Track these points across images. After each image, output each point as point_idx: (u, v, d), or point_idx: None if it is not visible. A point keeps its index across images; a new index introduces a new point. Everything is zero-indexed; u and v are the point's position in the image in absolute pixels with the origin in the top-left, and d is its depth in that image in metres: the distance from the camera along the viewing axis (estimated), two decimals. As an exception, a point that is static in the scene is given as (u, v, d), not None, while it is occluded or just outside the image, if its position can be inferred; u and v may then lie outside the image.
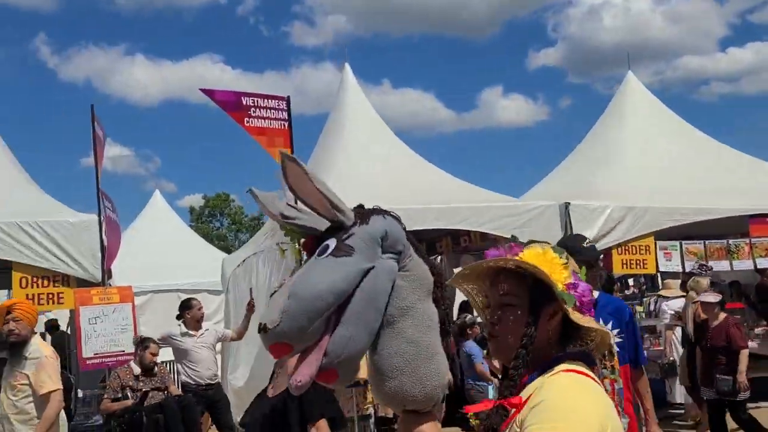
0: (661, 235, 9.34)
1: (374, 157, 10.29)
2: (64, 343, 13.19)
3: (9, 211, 8.01)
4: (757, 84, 78.64)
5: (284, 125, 8.13)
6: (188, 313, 7.72)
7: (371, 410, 7.88)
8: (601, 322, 3.58)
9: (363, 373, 6.24)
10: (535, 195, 11.37)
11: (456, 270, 11.45)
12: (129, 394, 6.62)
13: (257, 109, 7.70)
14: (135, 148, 73.86)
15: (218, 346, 8.48)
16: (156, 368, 6.93)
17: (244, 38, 76.55)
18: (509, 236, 8.93)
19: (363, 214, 1.58)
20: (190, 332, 7.65)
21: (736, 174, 10.72)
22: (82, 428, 7.70)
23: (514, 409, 1.68)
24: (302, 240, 1.63)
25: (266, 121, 7.77)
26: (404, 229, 1.63)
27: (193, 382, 7.40)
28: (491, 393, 7.77)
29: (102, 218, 7.99)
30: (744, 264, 9.47)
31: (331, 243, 1.50)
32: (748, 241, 9.42)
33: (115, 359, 7.71)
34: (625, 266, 9.17)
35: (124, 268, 10.24)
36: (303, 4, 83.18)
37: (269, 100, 7.89)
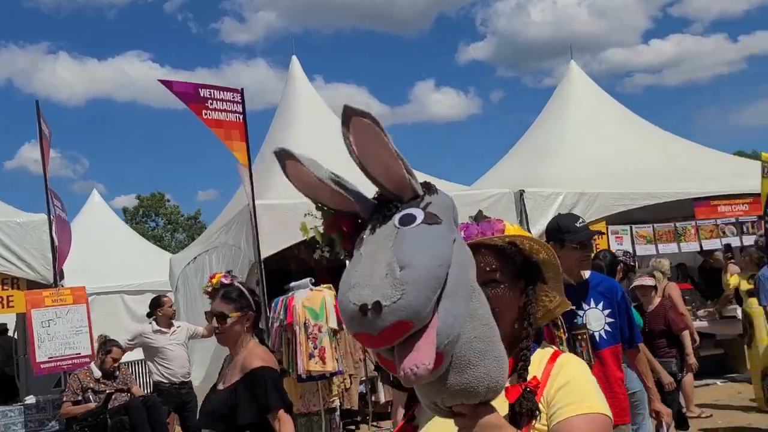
0: (612, 219, 9.55)
1: (328, 148, 10.19)
2: (10, 348, 12.72)
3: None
4: (678, 75, 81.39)
5: (239, 118, 7.99)
6: (159, 310, 7.52)
7: (337, 403, 7.82)
8: (592, 302, 3.62)
9: (330, 365, 6.11)
10: (486, 184, 11.50)
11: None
12: (90, 396, 6.41)
13: (214, 101, 7.54)
14: (61, 150, 71.50)
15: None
16: (117, 370, 6.73)
17: (173, 35, 75.02)
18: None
19: (429, 186, 1.40)
20: (162, 329, 7.46)
21: (679, 159, 11.04)
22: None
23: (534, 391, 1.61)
24: (339, 223, 1.45)
25: (223, 113, 7.62)
26: None
27: (167, 381, 7.21)
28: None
29: (52, 218, 7.71)
30: (691, 246, 9.77)
31: (417, 212, 1.32)
32: (694, 223, 9.71)
33: (70, 362, 7.46)
34: (578, 251, 9.34)
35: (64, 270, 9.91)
36: (232, 1, 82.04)
37: (225, 93, 7.74)
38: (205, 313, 3.45)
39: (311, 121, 10.66)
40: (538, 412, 1.55)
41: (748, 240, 9.66)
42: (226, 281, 3.42)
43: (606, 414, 1.60)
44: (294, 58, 11.47)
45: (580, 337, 3.55)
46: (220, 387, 3.41)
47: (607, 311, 3.64)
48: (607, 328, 3.62)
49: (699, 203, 9.67)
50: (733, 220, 9.82)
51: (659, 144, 11.73)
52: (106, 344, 6.85)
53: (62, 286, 7.70)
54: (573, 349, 3.44)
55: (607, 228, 9.47)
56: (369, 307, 1.18)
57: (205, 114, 7.46)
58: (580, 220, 3.74)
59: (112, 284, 15.46)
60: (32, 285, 7.58)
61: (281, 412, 3.20)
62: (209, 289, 3.41)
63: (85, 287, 7.80)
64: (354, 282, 1.23)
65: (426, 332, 1.22)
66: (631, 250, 9.53)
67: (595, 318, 3.61)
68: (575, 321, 3.56)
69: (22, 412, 7.57)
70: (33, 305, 7.40)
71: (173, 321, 7.61)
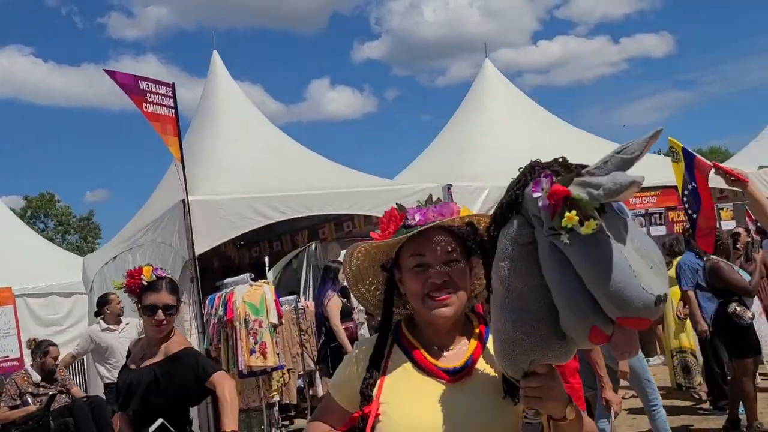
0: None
1: (250, 144, 10.16)
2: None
3: None
4: (565, 75, 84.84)
5: (172, 112, 7.87)
6: (107, 308, 7.31)
7: (276, 398, 7.84)
8: None
9: (271, 360, 6.15)
10: (406, 178, 11.75)
11: (340, 255, 11.59)
12: (29, 400, 6.17)
13: (152, 95, 7.39)
14: None
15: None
16: (56, 372, 6.51)
17: (56, 30, 71.90)
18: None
19: None
20: (111, 327, 7.24)
21: (590, 154, 11.59)
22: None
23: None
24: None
25: (159, 107, 7.48)
26: None
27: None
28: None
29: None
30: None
31: (621, 205, 1.48)
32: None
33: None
34: (503, 243, 9.71)
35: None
36: (119, -5, 79.36)
37: (159, 86, 7.60)
38: (145, 307, 3.42)
39: (234, 114, 10.58)
40: None
41: (656, 231, 10.30)
42: (162, 273, 3.46)
43: None
44: (215, 53, 11.33)
45: None
46: (132, 367, 3.48)
47: None
48: None
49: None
50: (642, 211, 10.43)
51: (568, 139, 12.30)
52: (42, 345, 6.61)
53: (-15, 287, 7.38)
54: None
55: (529, 221, 9.87)
56: (662, 297, 1.35)
57: (145, 107, 7.32)
58: None
59: (13, 287, 14.79)
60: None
61: (219, 373, 3.39)
62: (144, 283, 3.38)
63: (11, 288, 7.52)
64: (637, 271, 1.35)
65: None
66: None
67: None
68: None
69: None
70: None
71: (121, 318, 7.42)
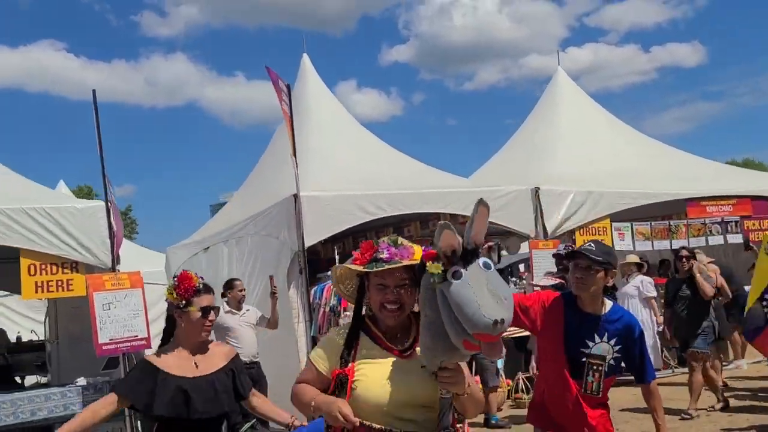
0: (615, 216, 10.34)
1: (342, 145, 10.63)
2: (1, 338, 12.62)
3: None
4: (594, 82, 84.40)
5: (288, 110, 8.42)
6: (230, 293, 7.84)
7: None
8: (605, 336, 3.72)
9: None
10: (483, 179, 12.15)
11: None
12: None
13: (283, 94, 7.98)
14: None
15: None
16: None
17: (90, 26, 73.11)
18: (489, 220, 9.66)
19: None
20: (233, 311, 7.78)
21: (663, 161, 11.97)
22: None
23: None
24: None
25: (286, 104, 8.07)
26: None
27: None
28: (500, 364, 8.39)
29: (108, 204, 7.92)
30: (681, 243, 10.62)
31: (488, 260, 2.31)
32: (685, 222, 10.61)
33: (129, 344, 7.70)
34: (586, 245, 10.09)
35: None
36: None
37: (284, 84, 8.19)
38: (202, 309, 3.47)
39: (324, 116, 11.05)
40: None
41: (733, 239, 10.63)
42: (204, 280, 3.56)
43: None
44: (305, 55, 11.81)
45: (596, 366, 3.67)
46: (189, 376, 3.44)
47: (617, 347, 3.72)
48: (611, 362, 3.72)
49: (691, 203, 10.56)
50: (719, 219, 10.76)
51: (639, 146, 12.67)
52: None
53: (119, 270, 7.91)
54: (585, 376, 3.67)
55: (610, 224, 10.25)
56: (499, 321, 2.15)
57: (281, 104, 7.93)
58: (587, 244, 3.86)
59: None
60: (89, 269, 7.76)
61: (253, 389, 3.70)
62: (199, 286, 3.48)
63: (140, 272, 8.04)
64: (481, 304, 2.16)
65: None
66: (631, 246, 10.37)
67: (604, 351, 3.69)
68: (590, 350, 3.68)
69: (80, 393, 7.75)
70: (94, 289, 7.60)
71: (242, 304, 7.93)
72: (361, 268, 2.58)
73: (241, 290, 7.96)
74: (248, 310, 7.98)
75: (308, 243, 8.52)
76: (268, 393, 8.17)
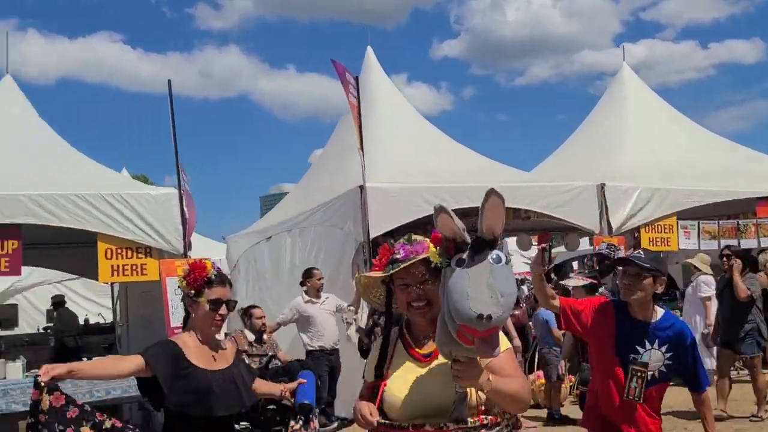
0: (681, 214, 10.18)
1: (405, 137, 10.67)
2: (70, 320, 13.06)
3: (81, 182, 8.04)
4: (650, 79, 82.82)
5: (356, 102, 8.50)
6: (309, 281, 8.01)
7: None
8: (656, 343, 3.74)
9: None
10: (545, 173, 12.06)
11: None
12: (245, 359, 6.85)
13: (351, 86, 8.05)
14: None
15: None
16: (265, 335, 7.18)
17: (146, 18, 74.63)
18: (553, 215, 9.53)
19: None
20: (313, 299, 7.95)
21: (731, 158, 11.73)
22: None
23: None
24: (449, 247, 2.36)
25: (353, 97, 8.14)
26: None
27: (318, 348, 7.67)
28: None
29: (182, 191, 8.11)
30: (750, 242, 10.41)
31: (501, 255, 2.27)
32: (755, 221, 10.38)
33: (198, 329, 7.88)
34: (652, 243, 9.96)
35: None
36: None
37: (351, 77, 8.27)
38: (211, 301, 3.31)
39: (387, 108, 11.11)
40: None
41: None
42: (219, 268, 3.43)
43: (508, 347, 2.58)
44: (369, 48, 11.89)
45: (639, 373, 3.69)
46: (205, 367, 3.27)
47: (668, 354, 3.75)
48: (662, 369, 3.75)
49: (761, 202, 10.33)
50: (791, 219, 10.49)
51: (705, 143, 12.42)
52: (246, 309, 7.31)
53: (190, 257, 8.09)
54: (629, 382, 3.69)
55: (677, 222, 10.10)
56: (484, 316, 2.11)
57: (348, 96, 8.01)
58: (636, 252, 3.98)
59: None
60: (162, 255, 7.96)
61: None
62: (211, 276, 3.31)
63: (231, 258, 8.21)
64: (471, 295, 2.15)
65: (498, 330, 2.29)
66: (697, 245, 10.20)
67: (655, 359, 3.72)
68: (637, 357, 3.72)
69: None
70: (167, 274, 7.80)
71: (321, 292, 8.08)
72: (380, 274, 2.61)
73: (319, 279, 8.12)
74: (327, 298, 8.14)
75: (373, 234, 8.59)
76: (338, 382, 8.32)
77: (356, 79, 8.61)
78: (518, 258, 16.31)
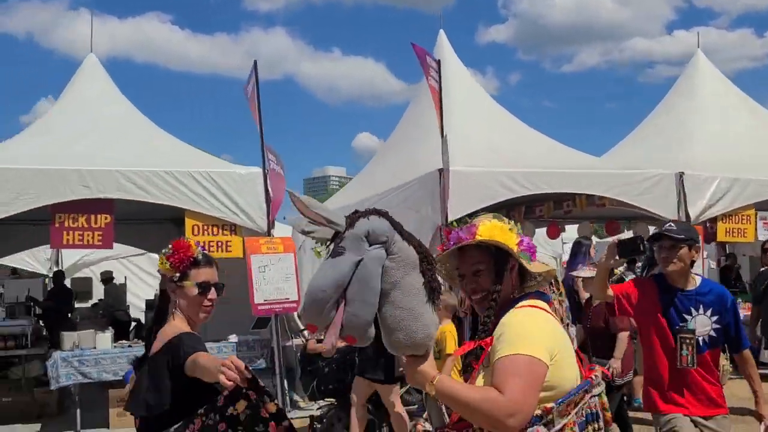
0: (761, 205, 10.00)
1: (479, 121, 10.64)
2: (119, 294, 13.34)
3: (167, 161, 8.23)
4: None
5: (437, 87, 8.51)
6: None
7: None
8: (701, 308, 3.93)
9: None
10: (615, 160, 11.94)
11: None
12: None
13: (432, 70, 8.09)
14: None
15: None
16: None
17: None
18: (631, 203, 9.44)
19: (351, 219, 2.12)
20: None
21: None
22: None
23: (484, 347, 2.27)
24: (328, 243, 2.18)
25: (434, 81, 8.18)
26: (391, 221, 2.16)
27: None
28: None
29: (266, 171, 8.24)
30: (830, 235, 10.18)
31: (332, 246, 2.10)
32: (836, 214, 10.14)
33: (281, 306, 8.05)
34: (728, 234, 9.83)
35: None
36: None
37: (433, 62, 8.30)
38: (211, 285, 2.91)
39: (461, 92, 11.09)
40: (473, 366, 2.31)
41: None
42: (204, 248, 3.03)
43: (527, 354, 2.10)
44: (441, 32, 11.87)
45: (688, 340, 3.86)
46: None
47: (714, 318, 3.93)
48: (711, 333, 3.93)
49: None
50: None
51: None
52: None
53: (273, 235, 8.25)
54: (679, 351, 3.86)
55: (755, 213, 9.93)
56: (299, 313, 2.56)
57: (428, 80, 8.03)
58: (668, 224, 4.06)
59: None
60: (247, 232, 8.12)
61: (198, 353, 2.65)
62: (198, 257, 2.90)
63: (291, 238, 8.36)
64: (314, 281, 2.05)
65: (332, 326, 2.02)
66: (775, 236, 10.00)
67: (702, 324, 3.90)
68: (684, 325, 3.90)
69: (234, 349, 8.17)
70: (252, 251, 7.97)
71: None
72: (438, 261, 2.37)
73: None
74: None
75: (451, 218, 8.62)
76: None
77: (438, 63, 8.62)
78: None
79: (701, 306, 3.92)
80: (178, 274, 2.87)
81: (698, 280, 4.03)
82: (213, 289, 2.90)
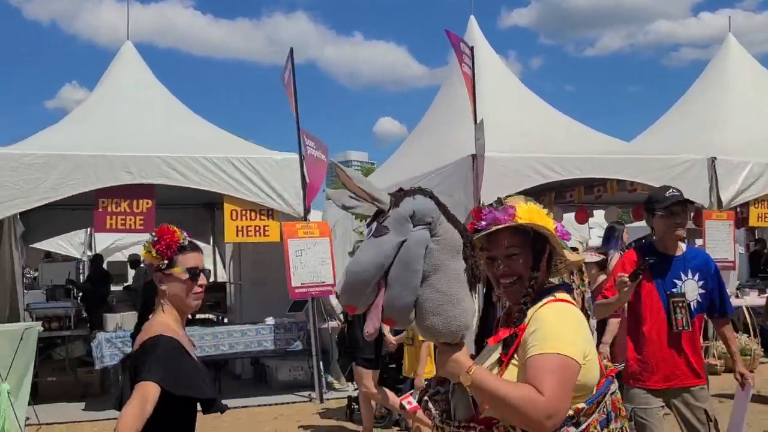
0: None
1: (510, 106, 10.69)
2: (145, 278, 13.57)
3: (205, 146, 8.39)
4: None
5: (471, 73, 8.58)
6: None
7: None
8: (689, 273, 4.01)
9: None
10: (645, 144, 11.94)
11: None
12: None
13: (465, 56, 8.16)
14: None
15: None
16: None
17: None
18: (659, 187, 9.48)
19: (396, 198, 2.02)
20: None
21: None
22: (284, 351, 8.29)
23: (518, 334, 2.13)
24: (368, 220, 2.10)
25: (467, 68, 8.25)
26: (437, 202, 2.04)
27: None
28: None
29: (303, 156, 8.38)
30: None
31: (374, 226, 2.00)
32: None
33: (317, 289, 8.20)
34: (760, 219, 9.84)
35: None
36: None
37: (467, 48, 8.37)
38: (200, 270, 2.75)
39: (492, 79, 11.13)
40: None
41: None
42: (189, 237, 2.85)
43: (563, 353, 2.01)
44: (472, 18, 11.91)
45: (681, 304, 3.93)
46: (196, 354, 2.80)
47: (701, 282, 4.04)
48: (698, 298, 4.03)
49: None
50: None
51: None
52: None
53: (309, 220, 8.39)
54: (673, 314, 3.92)
55: (787, 200, 9.92)
56: (336, 294, 2.00)
57: (462, 67, 8.12)
58: (671, 191, 4.02)
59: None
60: (284, 217, 8.28)
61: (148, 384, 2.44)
62: (184, 242, 2.75)
63: (328, 222, 8.50)
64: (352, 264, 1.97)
65: (373, 308, 1.94)
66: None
67: (691, 288, 3.99)
68: (674, 290, 3.97)
69: (272, 331, 8.35)
70: (289, 235, 8.12)
71: None
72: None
73: None
74: None
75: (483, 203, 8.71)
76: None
77: (472, 50, 8.68)
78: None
79: (689, 270, 4.01)
80: (165, 261, 2.71)
81: (684, 246, 4.13)
82: (202, 274, 2.75)
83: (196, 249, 2.80)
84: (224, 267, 13.19)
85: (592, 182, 10.72)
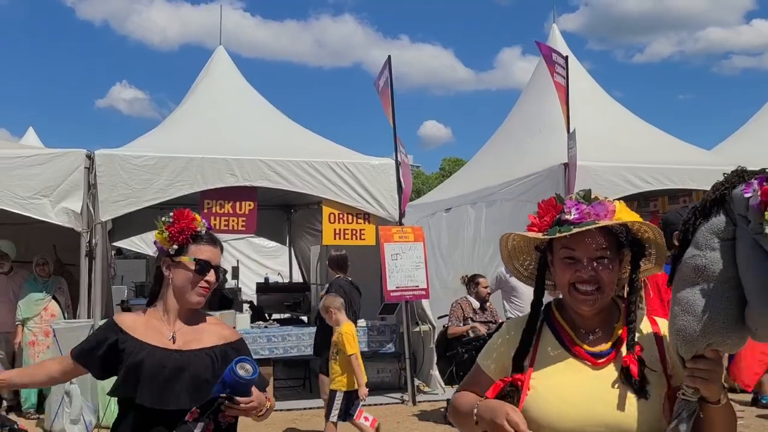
0: None
1: (594, 115, 10.71)
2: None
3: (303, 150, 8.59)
4: (783, 58, 77.94)
5: (564, 82, 8.64)
6: (475, 289, 8.27)
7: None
8: None
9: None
10: (728, 154, 11.83)
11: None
12: (470, 323, 7.27)
13: (558, 66, 8.23)
14: (150, 92, 73.95)
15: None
16: (487, 303, 7.55)
17: None
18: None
19: None
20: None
21: None
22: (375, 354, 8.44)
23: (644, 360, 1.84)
24: None
25: (560, 77, 8.31)
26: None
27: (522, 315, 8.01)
28: None
29: (398, 162, 8.53)
30: None
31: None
32: None
33: (411, 293, 8.34)
34: None
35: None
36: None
37: (560, 58, 8.44)
38: (211, 266, 2.51)
39: (577, 90, 11.14)
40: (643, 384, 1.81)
41: None
42: (210, 227, 2.63)
43: None
44: (554, 26, 11.97)
45: None
46: (156, 344, 2.47)
47: None
48: None
49: None
50: None
51: None
52: (474, 278, 7.69)
53: (403, 224, 8.54)
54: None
55: None
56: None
57: (554, 77, 8.19)
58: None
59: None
60: (379, 221, 8.44)
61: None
62: (200, 231, 2.52)
63: (422, 227, 8.64)
64: None
65: None
66: None
67: None
68: None
69: (365, 333, 8.51)
70: (385, 240, 8.28)
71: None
72: (539, 236, 1.88)
73: (485, 287, 8.34)
74: None
75: (574, 211, 8.75)
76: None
77: (566, 59, 8.74)
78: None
79: None
80: (175, 247, 2.49)
81: None
82: (213, 271, 2.50)
83: (215, 243, 2.56)
84: (300, 268, 13.46)
85: (676, 192, 10.67)
